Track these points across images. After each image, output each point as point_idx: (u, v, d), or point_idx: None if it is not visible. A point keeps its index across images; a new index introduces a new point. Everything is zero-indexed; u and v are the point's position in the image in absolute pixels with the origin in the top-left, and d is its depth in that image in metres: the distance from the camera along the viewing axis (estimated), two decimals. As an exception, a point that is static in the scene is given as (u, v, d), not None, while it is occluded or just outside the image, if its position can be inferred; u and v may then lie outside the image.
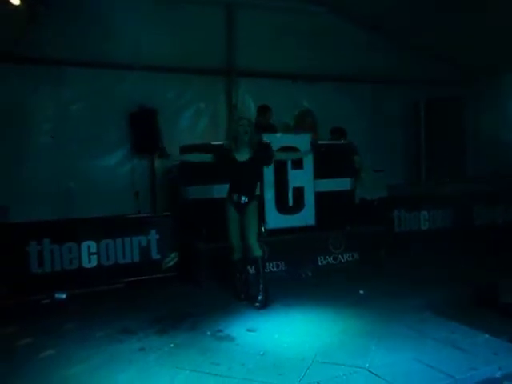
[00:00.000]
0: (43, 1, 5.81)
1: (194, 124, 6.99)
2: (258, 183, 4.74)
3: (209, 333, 3.72)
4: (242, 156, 4.40)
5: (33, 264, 4.86)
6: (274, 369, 3.04)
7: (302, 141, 5.70)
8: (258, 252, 4.41)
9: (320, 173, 5.85)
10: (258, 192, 4.65)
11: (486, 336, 3.42)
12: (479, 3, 6.19)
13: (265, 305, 4.27)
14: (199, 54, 6.76)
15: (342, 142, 6.55)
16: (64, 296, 4.85)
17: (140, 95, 6.41)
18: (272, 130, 6.17)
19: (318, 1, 7.25)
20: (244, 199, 4.38)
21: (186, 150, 5.90)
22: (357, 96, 7.87)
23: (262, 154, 4.57)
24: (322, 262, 5.77)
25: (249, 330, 3.75)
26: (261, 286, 4.36)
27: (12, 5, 4.95)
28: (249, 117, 4.62)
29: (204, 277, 5.18)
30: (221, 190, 5.29)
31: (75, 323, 4.06)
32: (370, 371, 2.95)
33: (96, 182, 6.36)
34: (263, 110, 6.51)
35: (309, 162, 5.77)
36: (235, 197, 4.41)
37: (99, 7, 6.03)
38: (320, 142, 6.09)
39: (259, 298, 4.32)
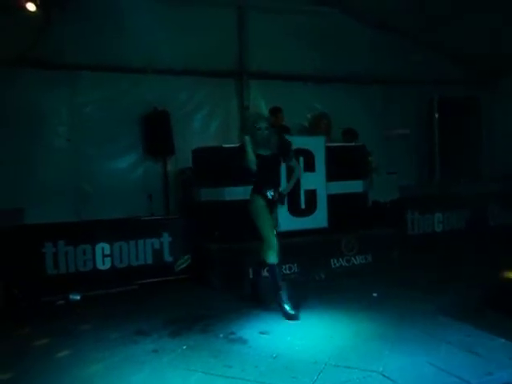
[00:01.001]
0: (59, 5, 5.91)
1: (205, 126, 7.03)
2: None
3: (221, 335, 3.73)
4: (264, 152, 4.14)
5: (48, 265, 4.94)
6: (287, 372, 3.03)
7: (316, 143, 5.71)
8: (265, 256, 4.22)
9: (332, 175, 5.83)
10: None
11: (502, 340, 3.37)
12: (495, 3, 6.11)
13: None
14: (211, 57, 6.80)
15: (354, 143, 6.52)
16: (78, 297, 4.91)
17: (153, 98, 6.48)
18: (286, 131, 6.17)
19: (329, 2, 7.24)
20: (275, 196, 4.18)
21: (198, 152, 5.95)
22: (368, 97, 7.82)
23: (283, 148, 4.25)
24: (335, 264, 5.74)
25: (261, 333, 3.75)
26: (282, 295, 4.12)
27: (28, 11, 5.04)
28: (265, 116, 4.32)
29: (217, 279, 5.20)
30: (232, 193, 5.34)
31: (89, 324, 4.11)
32: (383, 375, 2.92)
33: (110, 184, 6.43)
34: (274, 111, 6.52)
35: (321, 164, 5.76)
36: (269, 192, 4.14)
37: (113, 11, 6.11)
38: (332, 145, 6.07)
39: (286, 307, 4.05)
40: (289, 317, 3.97)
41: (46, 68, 6.08)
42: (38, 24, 5.65)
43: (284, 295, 4.06)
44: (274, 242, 4.06)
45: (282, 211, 5.54)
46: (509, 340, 3.35)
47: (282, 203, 4.35)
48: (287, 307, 4.01)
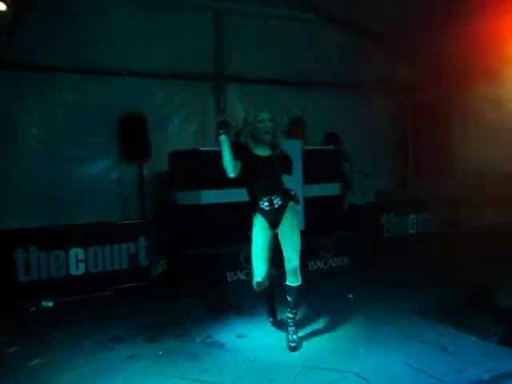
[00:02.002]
0: (30, 5, 5.78)
1: (182, 130, 6.97)
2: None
3: (198, 339, 3.70)
4: (264, 152, 3.48)
5: (19, 272, 4.81)
6: (264, 375, 3.03)
7: (293, 146, 5.75)
8: (299, 280, 3.45)
9: (309, 178, 5.88)
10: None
11: (474, 338, 3.46)
12: (466, 12, 6.30)
13: (298, 344, 3.47)
14: (188, 60, 6.77)
15: (331, 147, 6.59)
16: (51, 304, 4.80)
17: (128, 101, 6.38)
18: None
19: (305, 8, 7.32)
20: (278, 202, 3.43)
21: (174, 155, 5.91)
22: (345, 101, 7.92)
23: (283, 156, 3.58)
24: (312, 267, 5.78)
25: (238, 337, 3.74)
26: (290, 320, 3.53)
27: (-2, 10, 4.92)
28: (269, 110, 3.49)
29: (193, 283, 5.15)
30: (208, 196, 5.32)
31: (63, 332, 4.00)
32: (359, 376, 2.96)
33: (84, 188, 6.29)
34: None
35: (298, 167, 5.80)
36: (265, 203, 3.42)
37: (87, 13, 6.03)
38: (309, 148, 6.13)
39: (292, 337, 3.46)
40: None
41: (17, 70, 5.92)
42: (9, 25, 5.51)
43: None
44: (258, 276, 3.46)
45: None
46: (480, 338, 3.44)
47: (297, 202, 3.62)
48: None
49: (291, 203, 3.52)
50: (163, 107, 6.86)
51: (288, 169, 3.65)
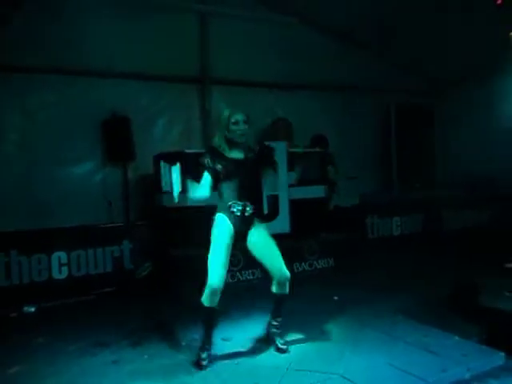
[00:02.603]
0: (13, 5, 5.68)
1: (167, 132, 6.93)
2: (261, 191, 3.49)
3: (183, 343, 3.69)
4: (236, 154, 3.34)
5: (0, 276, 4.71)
6: (249, 378, 3.03)
7: (278, 148, 5.78)
8: (288, 288, 3.41)
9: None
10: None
11: (456, 338, 3.51)
12: (445, 17, 6.43)
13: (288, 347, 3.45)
14: (173, 62, 6.74)
15: (317, 149, 6.63)
16: (33, 309, 4.72)
17: (112, 103, 6.32)
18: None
19: (289, 12, 7.36)
20: (249, 209, 3.27)
21: (159, 158, 5.87)
22: (329, 104, 7.99)
23: (263, 154, 3.43)
24: (297, 268, 5.81)
25: (223, 339, 3.73)
26: (277, 325, 3.50)
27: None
28: (244, 112, 3.35)
29: (178, 286, 5.12)
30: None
31: (45, 337, 3.93)
32: (344, 377, 2.98)
33: (67, 191, 6.20)
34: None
35: (283, 169, 5.82)
36: (236, 207, 3.24)
37: (71, 13, 5.95)
38: (294, 150, 6.16)
39: (280, 341, 3.46)
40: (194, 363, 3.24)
41: (-2, 70, 5.82)
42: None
43: (202, 340, 3.32)
44: (213, 282, 3.13)
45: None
46: (463, 338, 3.50)
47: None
48: (198, 356, 3.25)
49: (261, 220, 3.40)
50: (148, 109, 6.81)
51: (269, 161, 3.50)
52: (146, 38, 6.53)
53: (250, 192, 3.33)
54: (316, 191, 6.15)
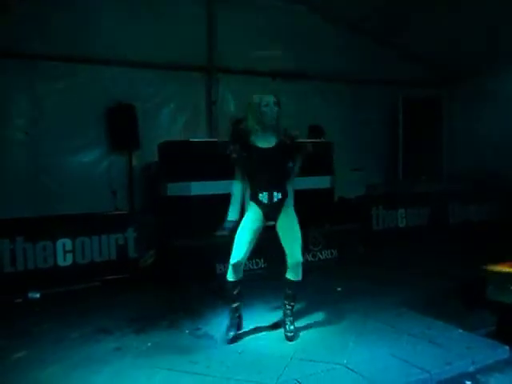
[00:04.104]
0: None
1: (172, 120, 6.92)
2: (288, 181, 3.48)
3: (187, 331, 3.69)
4: (266, 142, 3.37)
5: (5, 262, 4.72)
6: (253, 366, 3.03)
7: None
8: (300, 274, 3.40)
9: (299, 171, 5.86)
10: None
11: (460, 331, 3.49)
12: (455, 6, 6.32)
13: (295, 334, 3.46)
14: (179, 51, 6.70)
15: (322, 140, 6.58)
16: (38, 295, 4.74)
17: (118, 91, 6.32)
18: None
19: (298, 0, 7.27)
20: (277, 196, 3.34)
21: (164, 146, 5.86)
22: (336, 95, 7.94)
23: (291, 145, 3.42)
24: (301, 259, 5.79)
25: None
26: (288, 311, 3.52)
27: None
28: (273, 93, 3.43)
29: (182, 275, 5.13)
30: (198, 187, 5.29)
31: (49, 323, 3.95)
32: (347, 367, 2.97)
33: (73, 178, 6.23)
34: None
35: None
36: (263, 196, 3.32)
37: (78, 0, 5.91)
38: (299, 140, 6.10)
39: (290, 327, 3.46)
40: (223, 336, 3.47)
41: (3, 57, 5.79)
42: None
43: (229, 315, 3.52)
44: (232, 258, 3.34)
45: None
46: (467, 331, 3.48)
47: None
48: (225, 328, 3.50)
49: (289, 200, 3.44)
50: (153, 97, 6.80)
51: (295, 155, 3.46)
52: (153, 26, 6.51)
53: (276, 180, 3.38)
54: (321, 182, 6.12)
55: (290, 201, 3.47)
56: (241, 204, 3.45)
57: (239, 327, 3.56)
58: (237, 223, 3.40)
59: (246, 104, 3.53)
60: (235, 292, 3.45)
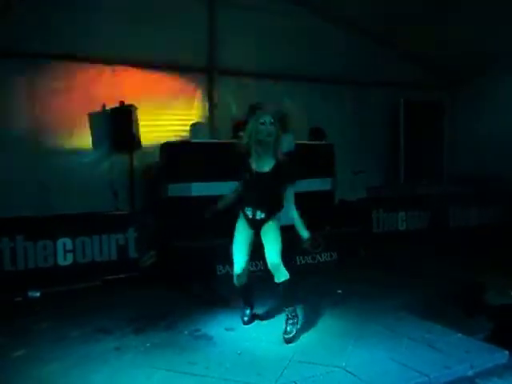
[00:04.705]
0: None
1: (173, 121, 6.92)
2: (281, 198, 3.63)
3: (186, 332, 3.69)
4: (263, 165, 3.53)
5: (5, 261, 4.73)
6: (252, 368, 3.03)
7: (286, 140, 5.75)
8: (283, 275, 3.52)
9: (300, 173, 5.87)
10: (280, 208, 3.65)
11: (459, 335, 3.49)
12: (455, 7, 6.34)
13: (294, 337, 3.50)
14: (181, 52, 6.72)
15: (324, 142, 6.59)
16: (38, 294, 4.74)
17: (119, 91, 6.32)
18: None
19: (300, 2, 7.28)
20: (260, 215, 3.54)
21: (165, 147, 5.87)
22: (337, 97, 7.95)
23: (284, 170, 3.55)
24: (300, 261, 5.79)
25: (227, 329, 3.74)
26: (288, 313, 3.58)
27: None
28: (272, 113, 3.62)
29: (182, 276, 5.14)
30: (199, 188, 5.29)
31: (49, 322, 3.96)
32: (346, 370, 2.97)
33: (74, 178, 6.23)
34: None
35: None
36: (249, 211, 3.58)
37: (79, 0, 5.93)
38: (300, 142, 6.12)
39: (287, 328, 3.51)
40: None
41: (4, 56, 5.81)
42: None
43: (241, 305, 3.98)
44: (238, 267, 3.63)
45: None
46: (466, 335, 3.48)
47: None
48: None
49: (274, 220, 3.60)
50: (155, 98, 6.79)
51: (289, 178, 3.62)
52: (154, 26, 6.50)
53: (262, 201, 3.57)
54: (322, 184, 6.12)
55: (277, 217, 3.62)
56: (230, 201, 3.76)
57: (251, 306, 3.96)
58: (219, 210, 3.75)
59: (247, 106, 3.69)
60: (246, 292, 3.90)
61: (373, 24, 7.50)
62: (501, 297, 3.90)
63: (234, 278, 3.74)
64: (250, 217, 3.58)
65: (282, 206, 3.62)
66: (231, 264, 4.64)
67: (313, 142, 6.54)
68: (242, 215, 3.66)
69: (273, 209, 3.57)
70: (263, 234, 3.59)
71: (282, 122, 6.59)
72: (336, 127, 7.33)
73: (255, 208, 3.55)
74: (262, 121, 3.49)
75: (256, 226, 3.60)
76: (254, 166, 3.54)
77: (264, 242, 3.59)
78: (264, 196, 3.55)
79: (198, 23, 6.96)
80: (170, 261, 5.32)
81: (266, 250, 3.56)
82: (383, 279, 5.16)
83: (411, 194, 7.51)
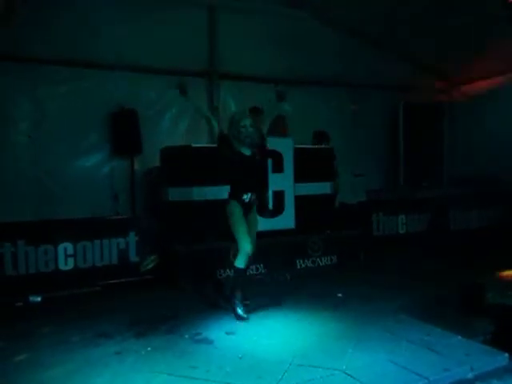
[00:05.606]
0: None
1: (174, 126, 6.95)
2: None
3: (187, 336, 3.70)
4: (246, 151, 4.06)
5: (6, 266, 4.75)
6: (252, 372, 3.04)
7: (285, 144, 5.80)
8: (236, 260, 4.08)
9: (300, 177, 5.89)
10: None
11: (459, 337, 3.50)
12: (457, 14, 6.36)
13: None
14: (181, 56, 6.75)
15: (323, 146, 6.60)
16: (39, 299, 4.76)
17: (121, 95, 6.35)
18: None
19: (299, 6, 7.32)
20: (253, 197, 4.07)
21: (166, 151, 5.89)
22: (337, 100, 7.98)
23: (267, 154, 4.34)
24: (300, 265, 5.80)
25: (227, 333, 3.75)
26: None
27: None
28: (251, 117, 4.17)
29: (183, 280, 5.15)
30: (200, 193, 5.31)
31: (50, 327, 3.97)
32: (346, 373, 2.98)
33: (75, 182, 6.26)
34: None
35: (289, 165, 5.82)
36: (246, 196, 4.02)
37: (81, 6, 5.96)
38: (301, 146, 6.14)
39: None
40: (239, 317, 4.01)
41: (6, 60, 5.84)
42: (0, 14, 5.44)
43: (238, 298, 4.07)
44: (246, 247, 3.94)
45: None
46: (466, 337, 3.49)
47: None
48: (239, 310, 4.03)
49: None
50: (155, 102, 6.84)
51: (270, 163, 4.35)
52: (155, 31, 6.54)
53: (254, 183, 4.10)
54: (322, 188, 6.14)
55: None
56: None
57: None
58: None
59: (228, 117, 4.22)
60: (244, 279, 4.14)
61: (372, 27, 7.52)
62: (501, 298, 3.90)
63: (242, 259, 3.96)
64: (247, 201, 4.00)
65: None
66: (231, 268, 4.69)
67: (312, 146, 6.56)
68: (235, 202, 4.00)
69: (260, 191, 4.18)
70: (250, 215, 4.08)
71: (279, 124, 6.70)
72: (336, 130, 7.34)
73: (251, 191, 4.01)
74: (243, 124, 3.95)
75: (247, 209, 4.04)
76: (239, 149, 4.01)
77: (249, 223, 4.06)
78: (255, 177, 4.12)
79: (199, 27, 6.99)
80: (171, 265, 5.33)
81: (251, 230, 4.06)
82: (383, 282, 5.17)
83: (411, 197, 7.52)
